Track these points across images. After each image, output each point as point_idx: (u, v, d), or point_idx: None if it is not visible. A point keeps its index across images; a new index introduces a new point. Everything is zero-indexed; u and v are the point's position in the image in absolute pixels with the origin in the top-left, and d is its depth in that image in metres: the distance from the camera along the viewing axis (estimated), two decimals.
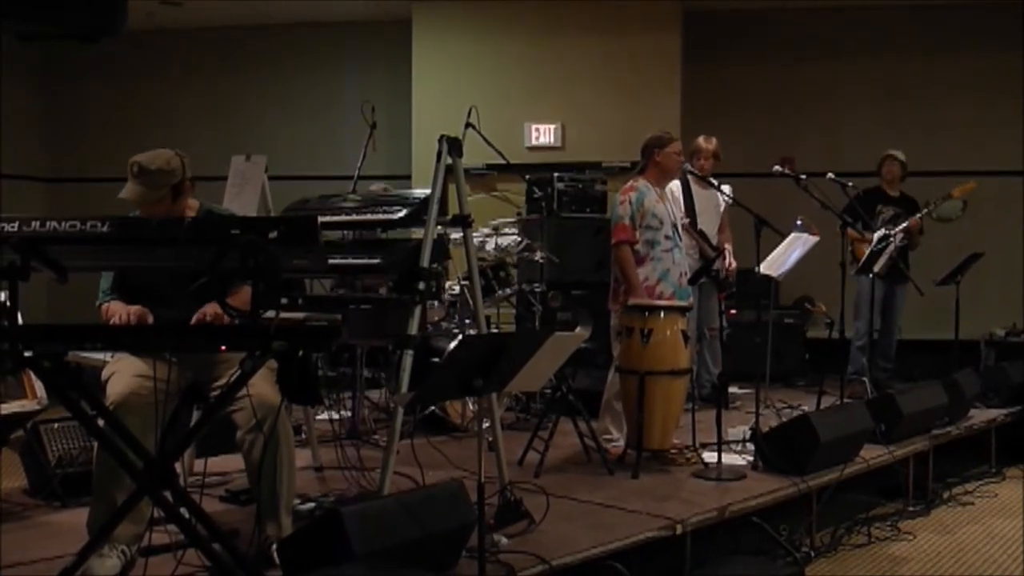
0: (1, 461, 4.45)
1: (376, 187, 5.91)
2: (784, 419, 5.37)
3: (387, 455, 3.78)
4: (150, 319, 3.35)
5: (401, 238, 4.97)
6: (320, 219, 2.73)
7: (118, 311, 3.37)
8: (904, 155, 7.20)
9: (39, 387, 4.23)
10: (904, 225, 6.84)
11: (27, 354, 2.54)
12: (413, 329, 3.79)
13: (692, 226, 6.22)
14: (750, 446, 5.04)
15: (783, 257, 6.10)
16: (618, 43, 8.55)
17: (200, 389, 3.36)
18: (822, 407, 5.78)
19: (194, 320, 3.25)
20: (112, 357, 3.48)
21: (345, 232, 4.81)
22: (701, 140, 6.47)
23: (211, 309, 3.27)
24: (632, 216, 5.12)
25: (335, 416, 5.42)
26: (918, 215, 6.94)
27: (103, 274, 3.56)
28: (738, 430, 5.38)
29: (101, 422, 2.91)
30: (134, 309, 3.36)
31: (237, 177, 4.94)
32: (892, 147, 7.31)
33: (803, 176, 5.72)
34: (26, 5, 2.87)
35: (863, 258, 6.72)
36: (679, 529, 3.89)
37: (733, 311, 6.51)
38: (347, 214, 4.32)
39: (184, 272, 3.04)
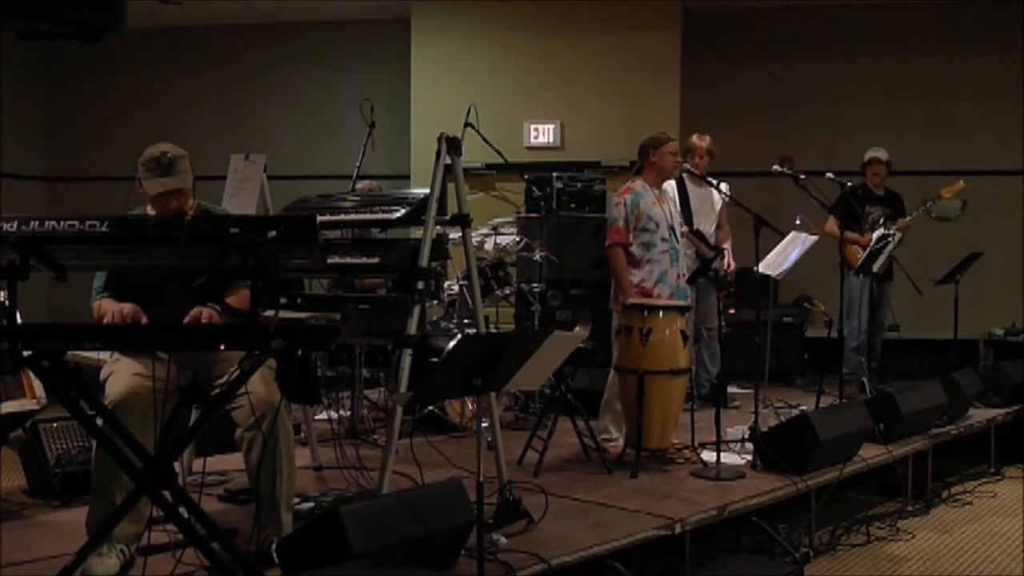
0: (1, 460, 4.46)
1: (363, 185, 5.90)
2: (783, 418, 5.37)
3: (386, 454, 3.78)
4: (142, 316, 3.33)
5: (400, 237, 4.97)
6: (319, 218, 2.73)
7: (109, 309, 3.34)
8: (886, 152, 7.09)
9: (38, 386, 4.23)
10: (896, 228, 6.84)
11: (26, 353, 2.54)
12: (412, 328, 3.79)
13: (688, 225, 6.21)
14: (749, 445, 5.04)
15: (782, 256, 6.11)
16: (617, 42, 8.55)
17: (200, 388, 3.36)
18: (821, 406, 5.79)
19: (186, 321, 3.23)
20: (111, 356, 3.47)
21: (344, 231, 4.82)
22: (695, 138, 6.45)
23: (204, 312, 3.25)
24: (626, 218, 5.12)
25: (334, 415, 5.42)
26: (909, 217, 6.92)
27: (96, 272, 3.54)
28: (737, 429, 5.38)
29: (100, 421, 2.92)
30: (126, 307, 3.32)
31: (236, 176, 4.94)
32: (890, 147, 7.27)
33: (802, 175, 5.72)
34: (28, 4, 2.88)
35: (862, 258, 6.74)
36: (678, 528, 3.89)
37: (732, 310, 6.52)
38: (346, 213, 4.32)
39: (183, 271, 3.04)
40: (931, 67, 8.95)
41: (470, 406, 5.83)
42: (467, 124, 4.33)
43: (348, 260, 4.00)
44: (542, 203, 6.60)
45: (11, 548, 3.45)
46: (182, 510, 2.73)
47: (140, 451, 2.72)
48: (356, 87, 9.12)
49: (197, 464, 4.11)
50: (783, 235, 5.99)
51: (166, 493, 2.71)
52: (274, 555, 3.14)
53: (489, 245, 6.31)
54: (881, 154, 7.06)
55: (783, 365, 7.77)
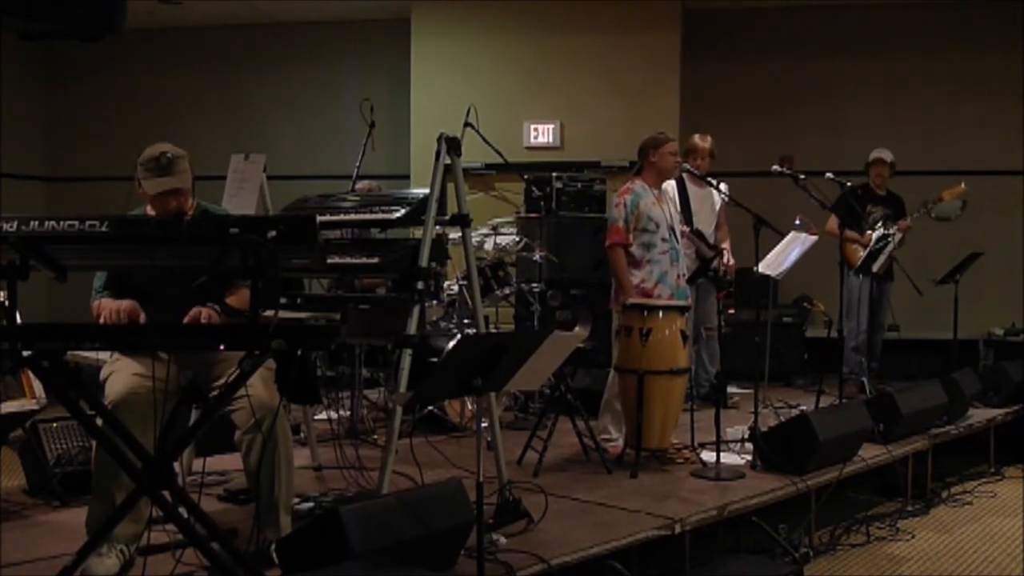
0: (1, 460, 4.45)
1: (363, 185, 5.91)
2: (783, 418, 5.37)
3: (386, 454, 3.78)
4: (141, 313, 3.31)
5: (400, 237, 4.97)
6: (319, 218, 2.73)
7: (107, 307, 3.32)
8: (891, 154, 7.12)
9: (38, 387, 4.23)
10: (896, 228, 6.86)
11: (26, 353, 2.54)
12: (412, 328, 3.79)
13: (688, 225, 6.21)
14: (749, 445, 5.04)
15: (782, 256, 6.11)
16: (617, 42, 8.55)
17: (200, 388, 3.36)
18: (821, 406, 5.79)
19: (186, 321, 3.23)
20: (111, 356, 3.47)
21: (344, 231, 4.82)
22: (697, 139, 6.44)
23: (203, 312, 3.25)
24: (626, 219, 5.12)
25: (334, 415, 5.42)
26: (910, 218, 6.93)
27: (96, 272, 3.53)
28: (737, 429, 5.38)
29: (100, 421, 2.92)
30: (124, 305, 3.31)
31: (236, 176, 4.94)
32: (891, 147, 7.28)
33: (802, 175, 5.72)
34: (28, 4, 2.88)
35: (862, 258, 6.74)
36: (678, 528, 3.89)
37: (732, 310, 6.52)
38: (346, 213, 4.32)
39: (183, 271, 3.04)
40: (931, 67, 8.95)
41: (470, 406, 5.83)
42: (467, 124, 4.34)
43: (348, 260, 4.00)
44: (542, 203, 6.60)
45: (11, 548, 3.45)
46: (182, 510, 2.73)
47: (140, 451, 2.72)
48: (356, 87, 9.12)
49: (197, 464, 4.11)
50: (783, 235, 5.99)
51: (166, 493, 2.71)
52: (274, 555, 3.14)
53: (489, 245, 6.31)
54: (885, 155, 7.08)
55: (783, 365, 7.77)
